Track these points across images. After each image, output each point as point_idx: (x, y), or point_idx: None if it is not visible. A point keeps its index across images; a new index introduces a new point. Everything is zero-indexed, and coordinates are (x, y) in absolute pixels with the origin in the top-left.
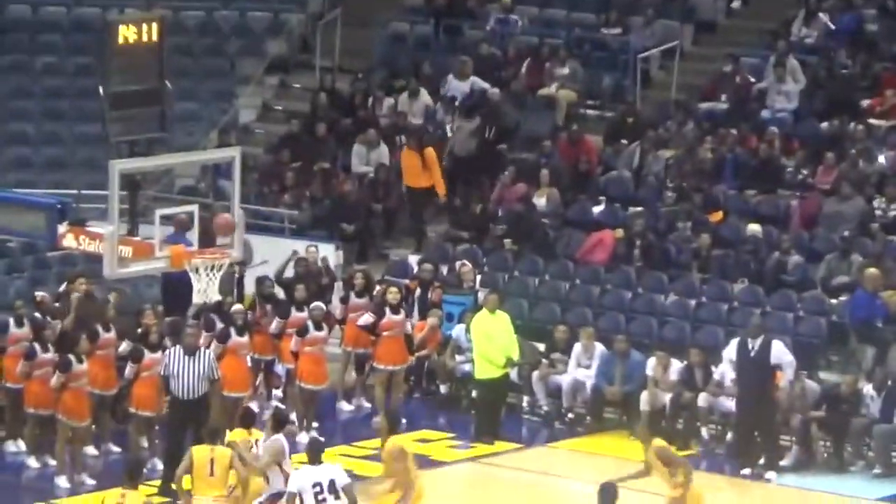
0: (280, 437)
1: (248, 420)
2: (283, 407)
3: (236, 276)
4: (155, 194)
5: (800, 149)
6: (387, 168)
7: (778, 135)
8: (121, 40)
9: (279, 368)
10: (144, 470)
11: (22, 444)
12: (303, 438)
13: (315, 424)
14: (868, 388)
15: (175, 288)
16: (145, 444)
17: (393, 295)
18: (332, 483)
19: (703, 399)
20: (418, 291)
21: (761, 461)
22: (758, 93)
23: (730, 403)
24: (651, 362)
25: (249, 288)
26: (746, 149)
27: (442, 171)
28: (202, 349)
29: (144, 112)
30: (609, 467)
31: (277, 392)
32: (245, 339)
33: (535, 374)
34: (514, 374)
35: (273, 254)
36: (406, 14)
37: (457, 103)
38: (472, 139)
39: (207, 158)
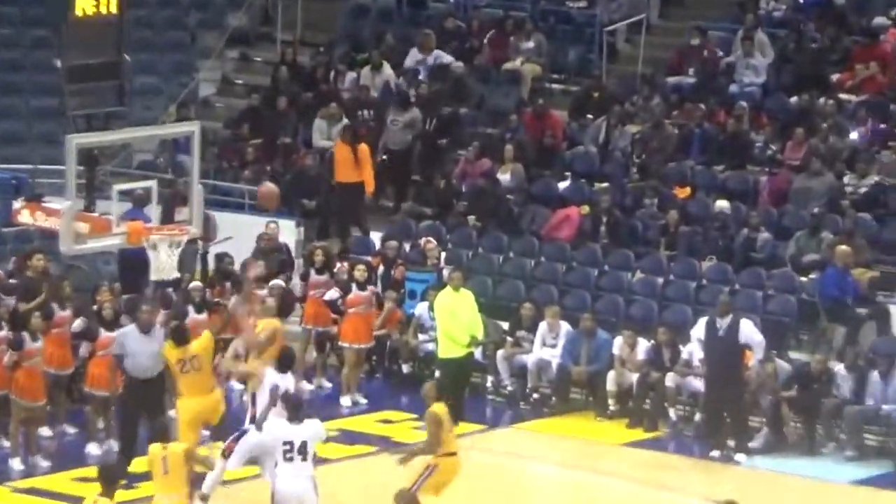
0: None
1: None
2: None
3: (199, 252)
4: (113, 169)
5: (768, 124)
6: None
7: (746, 109)
8: (79, 12)
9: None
10: (121, 480)
11: None
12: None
13: None
14: (839, 368)
15: (133, 265)
16: (101, 425)
17: (360, 272)
18: (303, 444)
19: (670, 379)
20: (381, 269)
21: (731, 443)
22: (726, 66)
23: (698, 383)
24: (618, 341)
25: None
26: (714, 124)
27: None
28: (157, 327)
29: (102, 86)
30: (575, 449)
31: None
32: (203, 316)
33: (500, 353)
34: (478, 353)
35: (233, 230)
36: None
37: (420, 76)
38: (406, 132)
39: (166, 133)
